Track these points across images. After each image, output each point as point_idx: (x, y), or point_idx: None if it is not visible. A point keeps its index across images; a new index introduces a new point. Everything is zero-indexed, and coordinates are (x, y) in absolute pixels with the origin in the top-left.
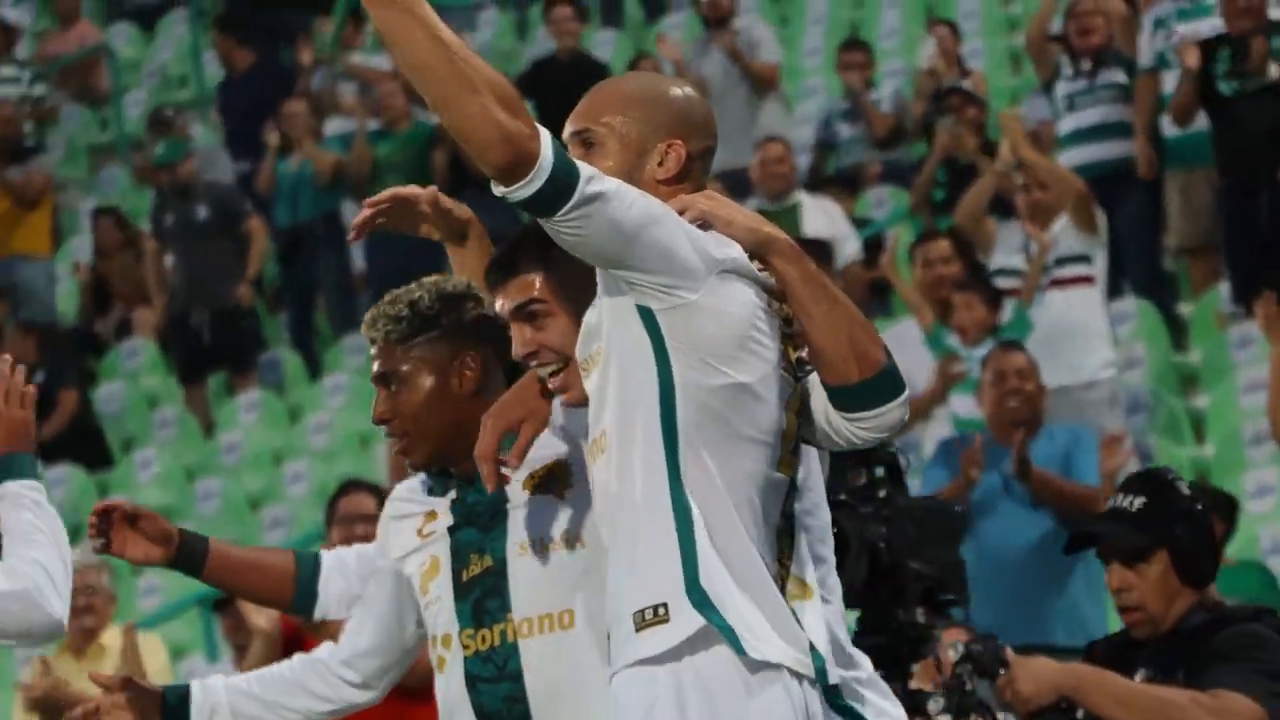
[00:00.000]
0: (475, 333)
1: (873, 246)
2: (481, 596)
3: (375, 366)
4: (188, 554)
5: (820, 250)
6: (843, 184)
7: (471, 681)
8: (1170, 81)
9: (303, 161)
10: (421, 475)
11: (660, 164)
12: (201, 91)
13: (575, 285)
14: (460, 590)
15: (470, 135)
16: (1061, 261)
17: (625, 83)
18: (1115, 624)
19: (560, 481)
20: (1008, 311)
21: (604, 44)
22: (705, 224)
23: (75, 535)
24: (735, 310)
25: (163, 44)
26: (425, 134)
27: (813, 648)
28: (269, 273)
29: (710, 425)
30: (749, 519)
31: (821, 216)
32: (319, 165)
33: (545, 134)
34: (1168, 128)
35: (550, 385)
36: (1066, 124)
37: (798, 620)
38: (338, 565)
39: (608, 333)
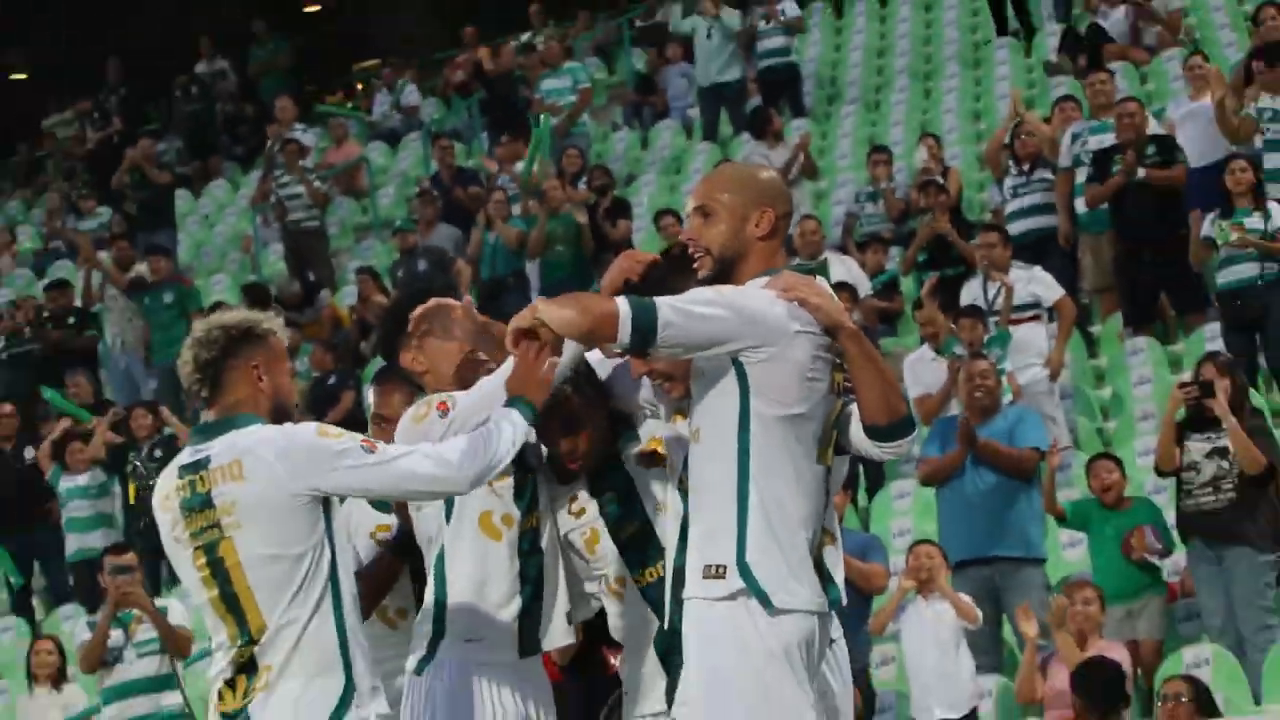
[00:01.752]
0: None
1: (888, 287)
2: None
3: None
4: None
5: (851, 291)
6: (865, 245)
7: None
8: (1081, 175)
9: (497, 235)
10: None
11: (757, 225)
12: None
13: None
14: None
15: (571, 330)
16: (1020, 307)
17: (729, 168)
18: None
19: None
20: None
21: (703, 152)
22: (797, 302)
23: None
24: (797, 359)
25: (403, 156)
26: (575, 217)
27: (831, 584)
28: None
29: (773, 438)
30: (797, 499)
31: (840, 267)
32: (507, 237)
33: (621, 300)
34: (1080, 208)
35: (665, 388)
36: (1011, 206)
37: (821, 567)
38: None
39: (708, 369)
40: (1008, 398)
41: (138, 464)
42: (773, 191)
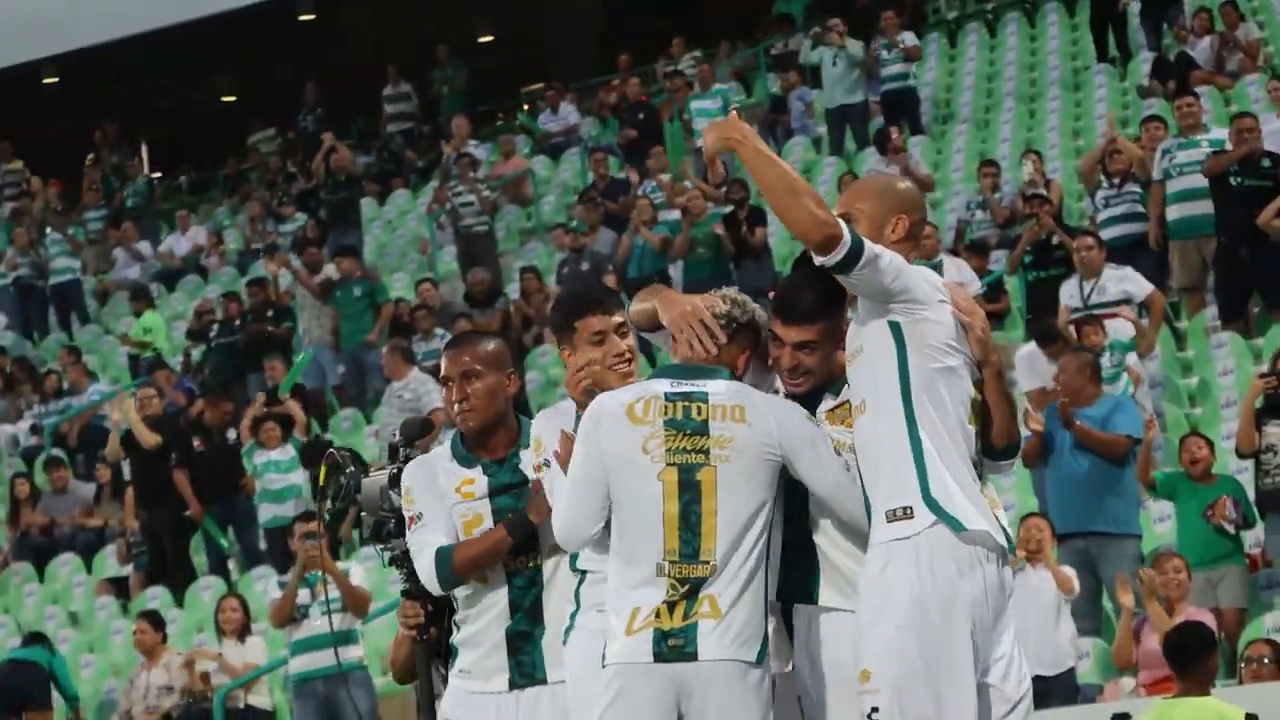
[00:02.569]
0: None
1: (994, 287)
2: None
3: None
4: None
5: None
6: (974, 249)
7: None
8: (1170, 186)
9: (645, 240)
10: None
11: (893, 230)
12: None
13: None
14: None
15: (795, 226)
16: (1113, 303)
17: (870, 179)
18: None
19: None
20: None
21: (830, 165)
22: (963, 325)
23: None
24: (946, 321)
25: (564, 167)
26: (714, 221)
27: (1005, 533)
28: None
29: (931, 392)
30: (963, 448)
31: (953, 268)
32: (651, 241)
33: (844, 223)
34: (1170, 215)
35: (790, 385)
36: (1103, 214)
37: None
38: None
39: (868, 339)
40: (1129, 388)
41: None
42: (909, 200)
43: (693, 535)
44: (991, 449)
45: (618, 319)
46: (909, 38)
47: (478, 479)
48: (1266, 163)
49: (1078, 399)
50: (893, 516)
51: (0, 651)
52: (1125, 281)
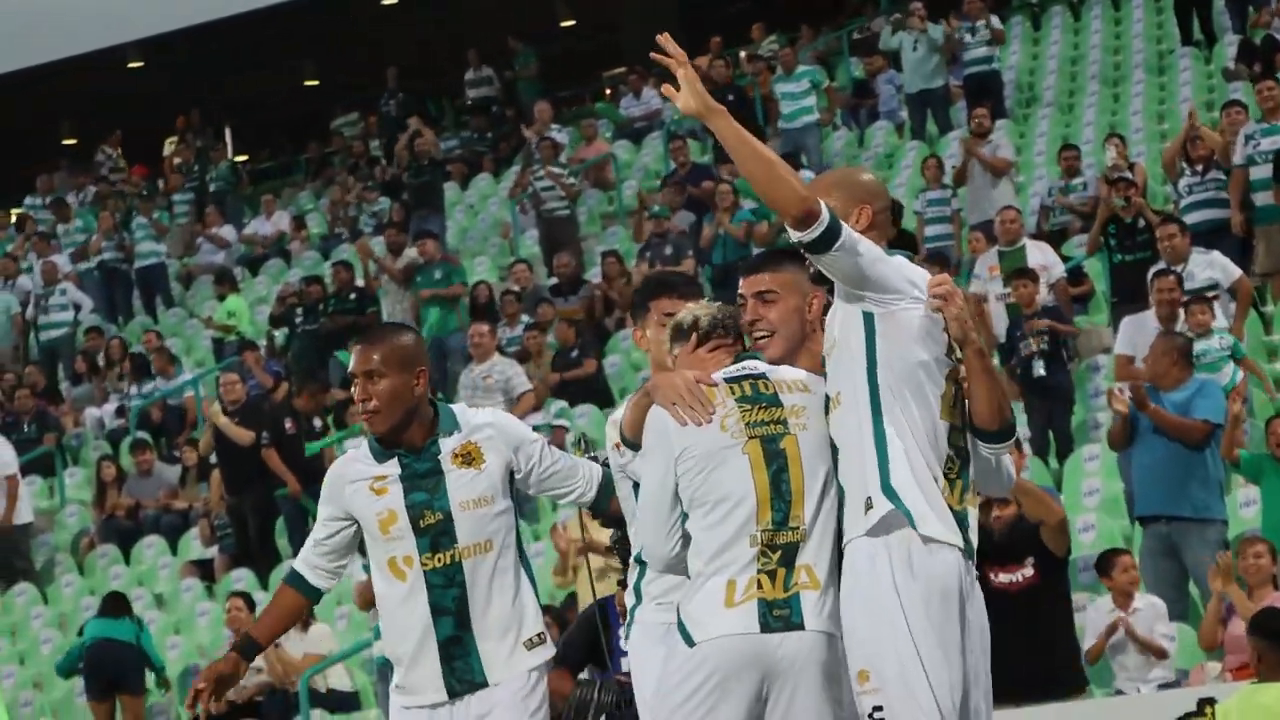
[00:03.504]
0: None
1: (1073, 273)
2: (436, 535)
3: None
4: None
5: (942, 261)
6: (1054, 235)
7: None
8: (1255, 172)
9: (725, 229)
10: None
11: (856, 222)
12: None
13: (795, 290)
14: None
15: (777, 200)
16: (1200, 288)
17: (831, 174)
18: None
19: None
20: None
21: (913, 149)
22: (940, 307)
23: None
24: (922, 314)
25: (645, 152)
26: None
27: (965, 535)
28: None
29: (903, 385)
30: (927, 446)
31: (1037, 252)
32: (730, 230)
33: (823, 202)
34: (1258, 200)
35: (758, 347)
36: (1186, 200)
37: (956, 516)
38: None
39: (841, 331)
40: (1236, 376)
41: None
42: (870, 190)
43: (784, 504)
44: (981, 432)
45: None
46: (993, 21)
47: (390, 473)
48: None
49: (1162, 382)
50: (862, 509)
51: (81, 622)
52: (1212, 267)
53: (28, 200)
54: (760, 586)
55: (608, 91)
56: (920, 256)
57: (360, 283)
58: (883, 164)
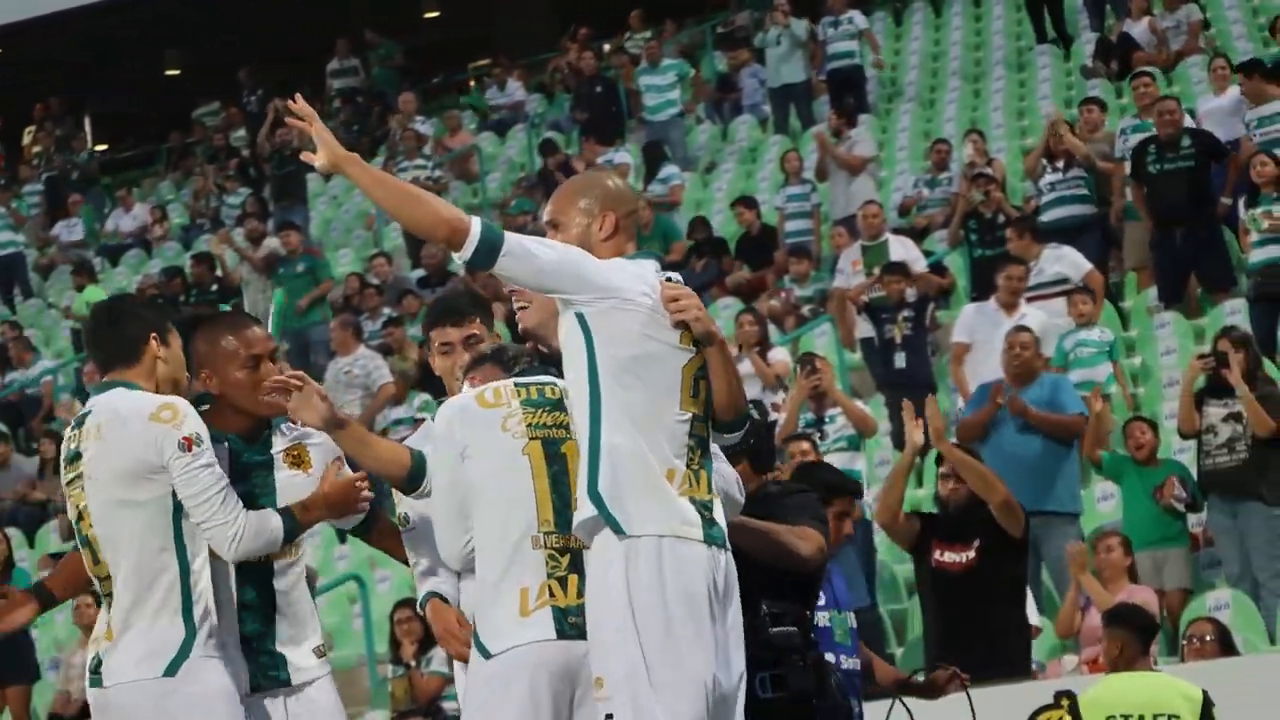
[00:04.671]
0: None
1: (934, 268)
2: None
3: None
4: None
5: (904, 269)
6: (920, 229)
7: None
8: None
9: None
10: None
11: (600, 228)
12: (529, 177)
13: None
14: None
15: (423, 228)
16: (1048, 284)
17: (575, 180)
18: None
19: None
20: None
21: (775, 143)
22: (673, 310)
23: None
24: (644, 310)
25: (510, 145)
26: None
27: (712, 524)
28: None
29: (621, 381)
30: (658, 441)
31: (900, 247)
32: None
33: (475, 220)
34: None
35: (519, 318)
36: (1048, 196)
37: (698, 505)
38: None
39: (564, 333)
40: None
41: None
42: (613, 195)
43: (565, 507)
44: (719, 422)
45: (470, 330)
46: (858, 18)
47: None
48: (1187, 141)
49: (1018, 379)
50: (581, 515)
51: None
52: (1061, 261)
53: None
54: (552, 594)
55: (473, 83)
56: (781, 251)
57: (219, 274)
58: (746, 158)
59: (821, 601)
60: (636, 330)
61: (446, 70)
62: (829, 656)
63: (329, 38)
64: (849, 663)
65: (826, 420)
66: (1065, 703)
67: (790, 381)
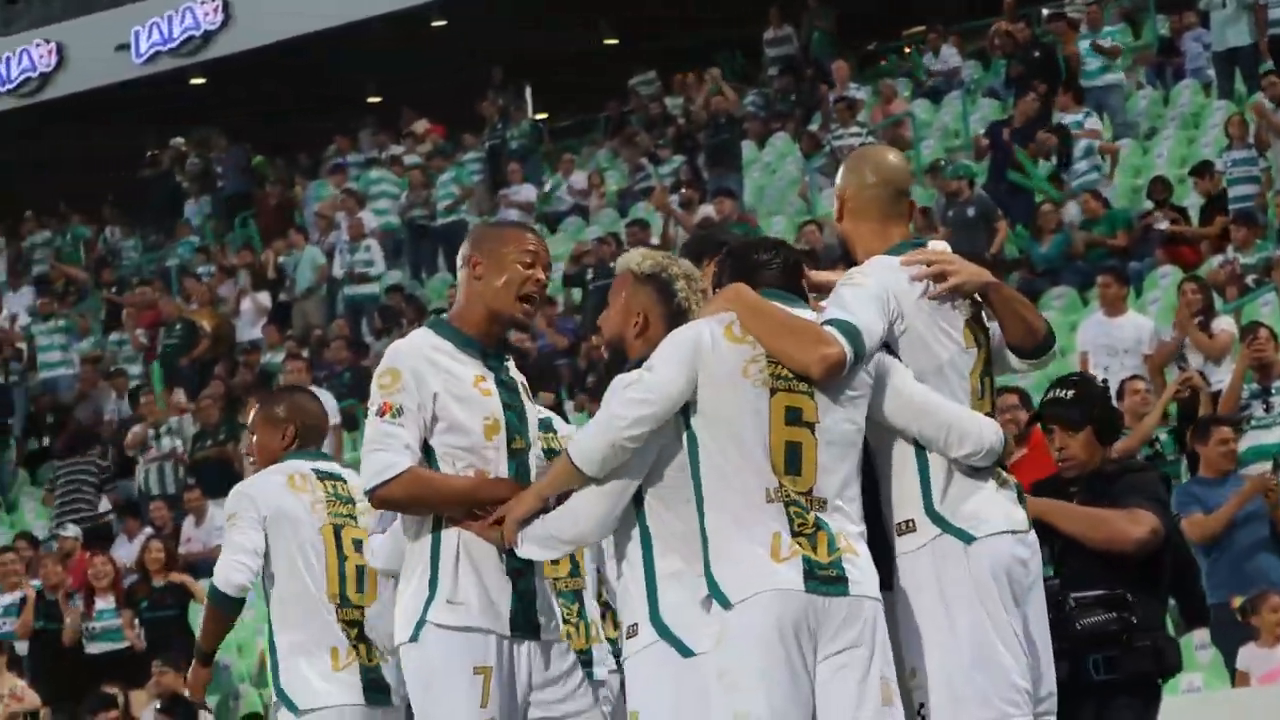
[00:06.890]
0: None
1: None
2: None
3: None
4: None
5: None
6: None
7: None
8: None
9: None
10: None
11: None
12: (969, 141)
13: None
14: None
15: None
16: None
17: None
18: None
19: None
20: None
21: (1219, 109)
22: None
23: None
24: (923, 311)
25: (944, 111)
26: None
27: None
28: (1009, 251)
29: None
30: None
31: None
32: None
33: (839, 335)
34: None
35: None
36: None
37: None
38: None
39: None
40: None
41: None
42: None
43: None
44: (1020, 350)
45: None
46: None
47: None
48: None
49: None
50: (902, 529)
51: None
52: None
53: (338, 159)
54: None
55: (907, 50)
56: (1228, 219)
57: (656, 241)
58: (1188, 123)
59: None
60: (935, 329)
61: (880, 38)
62: None
63: (764, 5)
64: None
65: (1273, 391)
66: None
67: (1233, 352)
